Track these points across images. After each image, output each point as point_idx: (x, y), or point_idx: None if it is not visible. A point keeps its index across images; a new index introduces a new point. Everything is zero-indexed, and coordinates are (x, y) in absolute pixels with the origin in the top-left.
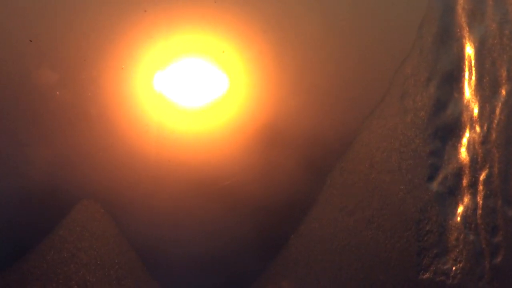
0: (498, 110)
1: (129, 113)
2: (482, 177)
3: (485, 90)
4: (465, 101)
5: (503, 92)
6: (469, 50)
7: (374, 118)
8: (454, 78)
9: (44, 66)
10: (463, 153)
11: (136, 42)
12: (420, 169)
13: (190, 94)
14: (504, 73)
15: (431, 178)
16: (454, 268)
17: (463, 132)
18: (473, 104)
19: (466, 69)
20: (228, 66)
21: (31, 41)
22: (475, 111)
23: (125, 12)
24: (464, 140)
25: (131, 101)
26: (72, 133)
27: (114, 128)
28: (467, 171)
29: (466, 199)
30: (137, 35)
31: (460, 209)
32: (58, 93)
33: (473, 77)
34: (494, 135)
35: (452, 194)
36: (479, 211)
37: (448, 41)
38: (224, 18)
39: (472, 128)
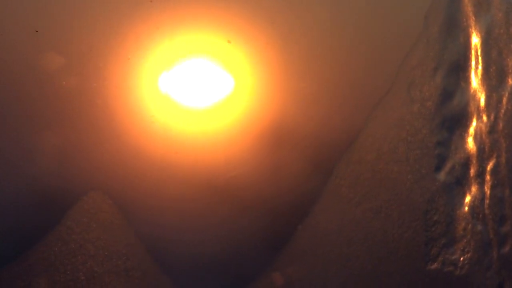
0: (505, 100)
1: (135, 103)
2: (489, 166)
3: (491, 80)
4: (472, 91)
5: (510, 81)
6: (476, 40)
7: (381, 108)
8: (460, 68)
9: (50, 57)
10: (470, 143)
11: (142, 33)
12: (428, 159)
13: (196, 87)
14: (510, 63)
15: (438, 168)
16: (462, 258)
17: (470, 122)
18: (479, 93)
19: (473, 58)
20: (234, 57)
21: (37, 31)
22: (482, 101)
23: (132, 3)
24: (471, 130)
25: (137, 92)
26: (79, 123)
27: (120, 118)
28: (474, 161)
29: (473, 189)
30: (143, 25)
31: (468, 199)
32: (64, 83)
33: (480, 67)
34: (501, 125)
35: (459, 184)
36: (487, 201)
37: (454, 30)
38: (231, 8)
39: (479, 117)
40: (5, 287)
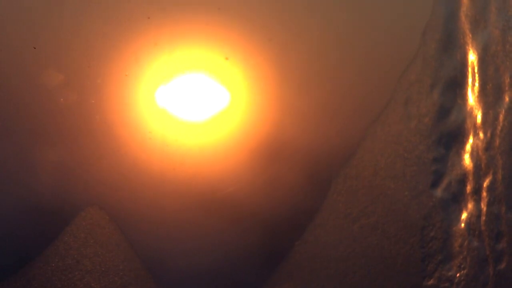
0: (501, 117)
1: (133, 120)
2: (486, 183)
3: (488, 97)
4: (469, 108)
5: (507, 98)
6: (472, 57)
7: (378, 124)
8: (457, 85)
9: (48, 73)
10: (467, 160)
11: (140, 49)
12: (424, 176)
13: (193, 102)
14: (507, 80)
15: (435, 184)
16: (458, 274)
17: (467, 139)
18: (476, 110)
19: (470, 75)
20: (231, 73)
21: (35, 48)
22: (479, 118)
23: (129, 19)
24: (468, 147)
25: (135, 108)
26: (77, 139)
27: (118, 134)
28: (470, 178)
29: (470, 206)
30: (141, 42)
31: (464, 216)
32: (62, 100)
33: (477, 84)
34: (497, 142)
35: (456, 200)
36: (483, 218)
37: (451, 47)
38: (228, 25)
39: (475, 134)
40: None
